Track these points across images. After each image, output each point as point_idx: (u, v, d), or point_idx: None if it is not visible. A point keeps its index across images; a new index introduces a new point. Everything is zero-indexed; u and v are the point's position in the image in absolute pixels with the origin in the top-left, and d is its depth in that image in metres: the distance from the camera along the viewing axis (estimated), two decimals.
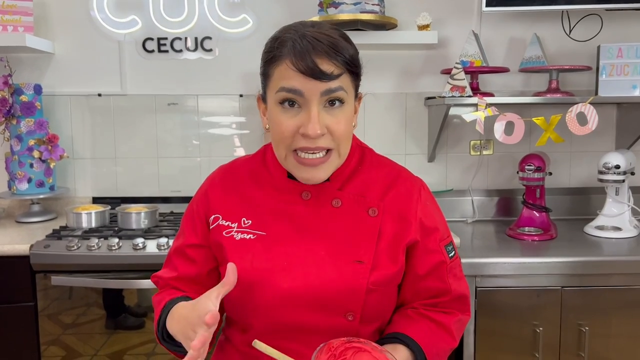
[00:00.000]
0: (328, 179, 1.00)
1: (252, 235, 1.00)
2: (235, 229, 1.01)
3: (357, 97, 1.01)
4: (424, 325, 1.02)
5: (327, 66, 0.89)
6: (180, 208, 2.30)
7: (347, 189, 1.02)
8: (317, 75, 0.88)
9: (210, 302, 0.83)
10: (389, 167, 1.08)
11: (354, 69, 0.94)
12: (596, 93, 2.03)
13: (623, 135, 2.30)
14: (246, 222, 1.01)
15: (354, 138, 1.06)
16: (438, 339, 1.01)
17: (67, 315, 1.82)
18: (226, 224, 1.02)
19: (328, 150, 0.94)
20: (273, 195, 1.02)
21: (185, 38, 2.28)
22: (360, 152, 1.07)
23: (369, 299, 0.97)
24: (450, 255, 1.05)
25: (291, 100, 0.92)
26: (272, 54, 0.93)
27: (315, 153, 0.93)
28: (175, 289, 1.06)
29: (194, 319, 0.83)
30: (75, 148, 2.32)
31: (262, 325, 0.99)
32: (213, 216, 1.04)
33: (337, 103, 0.93)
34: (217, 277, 1.07)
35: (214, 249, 1.04)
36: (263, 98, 1.01)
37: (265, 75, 0.97)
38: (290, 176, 1.01)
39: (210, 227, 1.04)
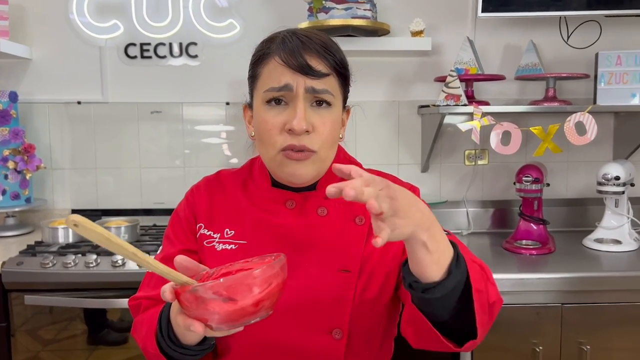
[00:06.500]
0: (315, 188, 0.98)
1: (233, 245, 0.96)
2: (217, 240, 0.98)
3: (345, 109, 0.99)
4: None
5: (315, 63, 0.89)
6: (164, 220, 2.20)
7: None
8: (306, 70, 0.88)
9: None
10: (376, 175, 1.02)
11: (342, 71, 0.94)
12: (594, 102, 1.97)
13: (621, 145, 2.24)
14: (229, 232, 0.98)
15: (343, 152, 1.05)
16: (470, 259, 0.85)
17: (47, 331, 1.73)
18: (208, 233, 0.99)
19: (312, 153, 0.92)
20: (257, 204, 0.99)
21: (170, 44, 2.20)
22: (348, 163, 1.02)
23: (356, 313, 0.92)
24: None
25: (277, 99, 0.90)
26: (261, 53, 0.93)
27: (301, 151, 0.91)
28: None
29: None
30: (53, 158, 2.22)
31: (240, 345, 0.92)
32: (198, 224, 1.01)
33: (324, 104, 0.91)
34: None
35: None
36: (249, 105, 0.99)
37: (254, 77, 0.95)
38: (275, 185, 0.99)
39: (197, 235, 1.01)
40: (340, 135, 0.98)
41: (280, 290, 0.73)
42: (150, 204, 2.25)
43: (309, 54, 0.89)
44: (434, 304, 0.76)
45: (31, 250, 1.79)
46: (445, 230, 0.95)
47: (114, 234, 0.65)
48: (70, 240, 1.90)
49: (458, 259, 0.76)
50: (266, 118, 0.91)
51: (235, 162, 2.25)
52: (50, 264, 1.67)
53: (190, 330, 0.70)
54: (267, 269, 0.70)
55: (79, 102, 2.20)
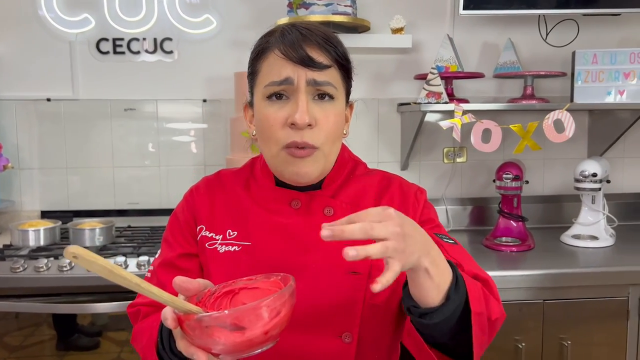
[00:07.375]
0: (320, 187, 0.96)
1: (237, 247, 0.93)
2: (219, 242, 0.94)
3: (348, 104, 0.97)
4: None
5: (316, 55, 0.86)
6: (139, 221, 2.15)
7: (339, 197, 0.97)
8: (306, 62, 0.85)
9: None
10: (381, 175, 1.03)
11: (344, 64, 0.91)
12: (571, 100, 1.99)
13: (595, 142, 2.28)
14: (231, 233, 0.95)
15: (348, 150, 1.03)
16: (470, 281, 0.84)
17: (14, 338, 1.67)
18: (210, 235, 0.95)
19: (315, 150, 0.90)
20: (261, 204, 0.96)
21: (143, 39, 2.13)
22: (353, 164, 1.03)
23: (367, 315, 0.89)
24: (444, 240, 0.96)
25: (278, 93, 0.88)
26: (260, 48, 0.91)
27: (304, 148, 0.88)
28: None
29: None
30: (21, 157, 2.14)
31: None
32: (198, 226, 0.97)
33: (326, 97, 0.89)
34: None
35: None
36: (250, 103, 0.96)
37: (253, 73, 0.92)
38: (278, 184, 0.96)
39: (197, 238, 0.97)
40: (345, 131, 0.96)
41: (288, 319, 0.69)
42: (124, 205, 2.18)
43: (309, 46, 0.86)
44: (432, 328, 0.75)
45: (0, 254, 1.72)
46: (451, 239, 0.95)
47: (116, 265, 0.61)
48: (42, 243, 1.82)
49: (457, 282, 0.75)
50: (267, 114, 0.88)
51: (212, 161, 2.20)
52: (21, 268, 1.61)
53: (192, 358, 0.68)
54: (277, 298, 0.67)
55: (48, 99, 2.12)
